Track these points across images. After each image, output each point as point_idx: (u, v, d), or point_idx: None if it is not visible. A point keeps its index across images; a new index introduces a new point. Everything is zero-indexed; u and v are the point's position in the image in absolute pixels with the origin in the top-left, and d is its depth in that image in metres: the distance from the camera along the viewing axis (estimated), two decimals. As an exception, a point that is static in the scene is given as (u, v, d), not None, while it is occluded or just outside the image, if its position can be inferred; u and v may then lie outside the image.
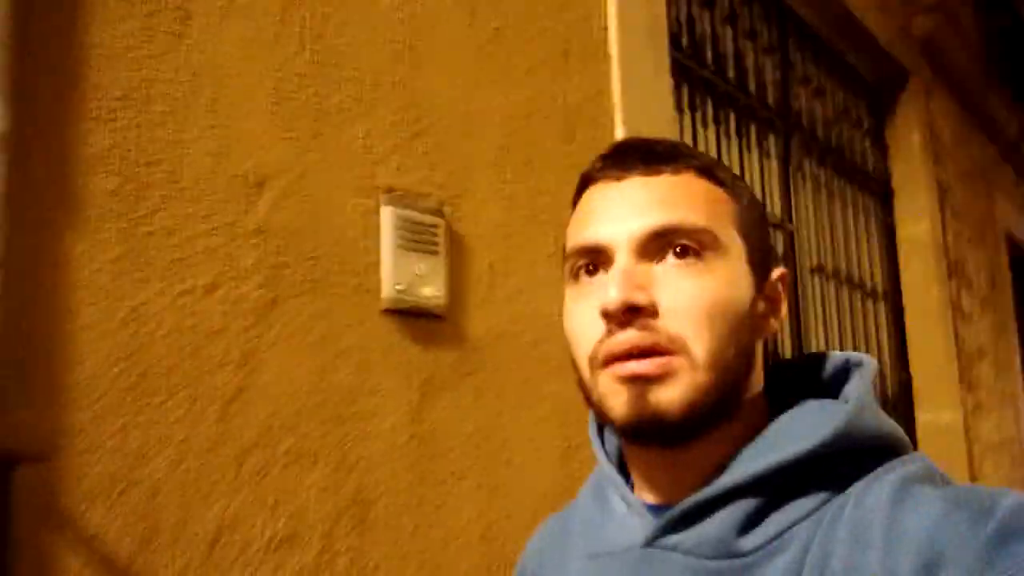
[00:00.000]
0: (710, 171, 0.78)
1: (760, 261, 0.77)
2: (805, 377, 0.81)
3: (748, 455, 0.72)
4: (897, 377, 3.85)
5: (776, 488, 0.70)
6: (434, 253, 1.46)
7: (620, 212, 0.74)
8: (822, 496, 0.69)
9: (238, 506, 1.15)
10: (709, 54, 2.64)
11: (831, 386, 0.79)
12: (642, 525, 0.75)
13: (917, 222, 4.01)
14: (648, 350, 0.69)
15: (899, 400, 3.82)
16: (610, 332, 0.71)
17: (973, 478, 4.07)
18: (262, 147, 1.24)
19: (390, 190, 1.41)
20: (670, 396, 0.69)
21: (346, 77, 1.38)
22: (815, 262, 3.24)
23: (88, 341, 1.03)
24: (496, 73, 1.65)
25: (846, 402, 0.75)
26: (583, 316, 0.74)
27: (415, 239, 1.43)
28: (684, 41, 2.48)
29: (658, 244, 0.72)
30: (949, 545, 0.61)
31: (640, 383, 0.69)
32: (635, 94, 2.00)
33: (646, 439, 0.73)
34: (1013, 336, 5.37)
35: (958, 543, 0.61)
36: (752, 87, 2.90)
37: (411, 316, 1.42)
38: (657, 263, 0.72)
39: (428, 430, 1.42)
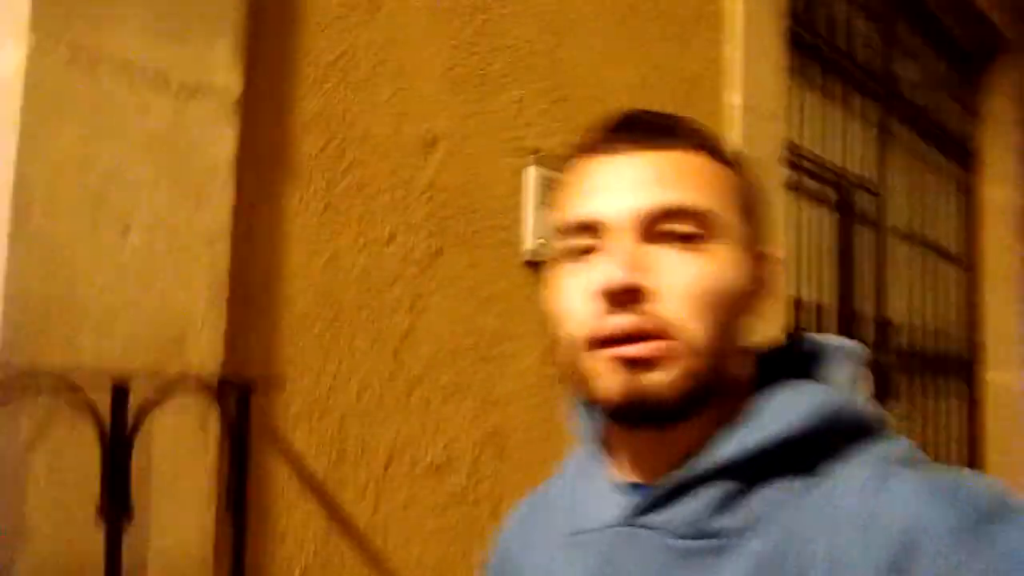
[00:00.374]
0: (714, 148, 0.76)
1: (758, 242, 0.76)
2: (792, 360, 0.79)
3: (727, 436, 0.71)
4: (967, 338, 3.92)
5: (754, 469, 0.70)
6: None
7: (621, 187, 0.71)
8: (801, 477, 0.69)
9: (407, 432, 1.31)
10: (821, 23, 2.69)
11: (817, 369, 0.78)
12: (623, 503, 0.75)
13: (1000, 187, 4.04)
14: (645, 334, 0.68)
15: (968, 359, 3.89)
16: (607, 312, 0.69)
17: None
18: (435, 110, 1.37)
19: (536, 151, 1.53)
20: (663, 379, 0.68)
21: (505, 45, 1.49)
22: (900, 225, 3.31)
23: (298, 283, 1.18)
24: (626, 45, 1.75)
25: (829, 383, 0.75)
26: (575, 293, 0.72)
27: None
28: (800, 7, 2.54)
29: (660, 224, 0.70)
30: (926, 532, 0.61)
31: (634, 366, 0.68)
32: (753, 67, 2.09)
33: (636, 421, 0.72)
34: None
35: (935, 530, 0.61)
36: (859, 55, 2.95)
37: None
38: (658, 244, 0.70)
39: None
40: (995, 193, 4.04)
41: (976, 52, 3.98)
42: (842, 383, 0.74)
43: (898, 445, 0.71)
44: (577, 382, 0.73)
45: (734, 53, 2.06)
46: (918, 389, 3.41)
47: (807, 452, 0.69)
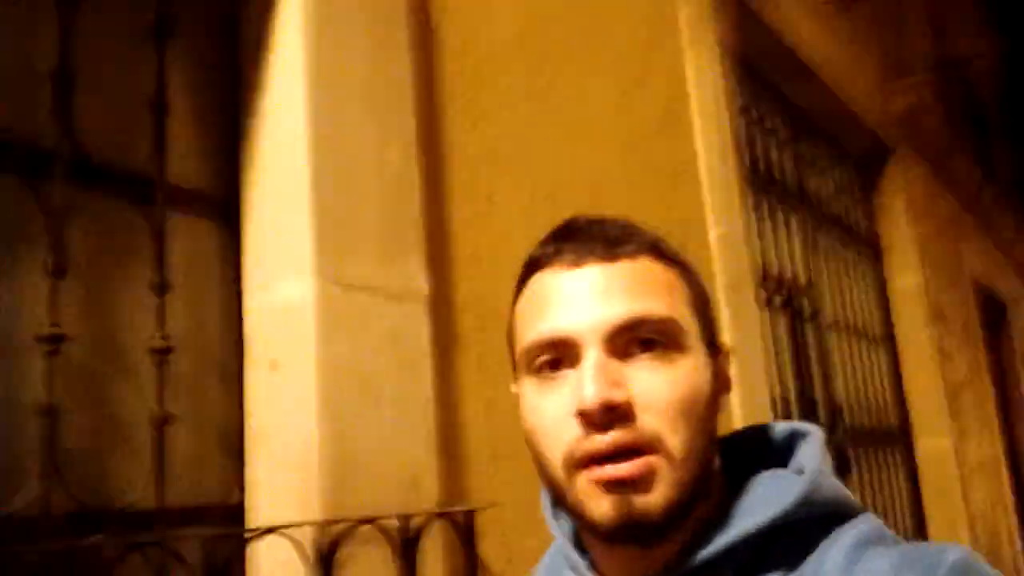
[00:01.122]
0: (661, 251, 0.77)
1: (712, 339, 0.77)
2: (755, 449, 0.80)
3: (712, 534, 0.71)
4: (898, 411, 4.44)
5: (741, 562, 0.70)
6: None
7: (583, 302, 0.71)
8: (784, 565, 0.70)
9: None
10: (758, 158, 3.23)
11: (780, 456, 0.78)
12: None
13: (905, 276, 4.65)
14: (628, 448, 0.68)
15: (901, 429, 4.40)
16: (588, 432, 0.68)
17: (964, 493, 4.67)
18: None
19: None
20: (653, 500, 0.68)
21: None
22: (831, 319, 3.82)
23: (474, 431, 1.55)
24: (625, 191, 2.20)
25: (800, 471, 0.75)
26: (551, 413, 0.71)
27: None
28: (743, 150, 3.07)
29: (625, 337, 0.70)
30: None
31: (623, 488, 0.68)
32: (722, 205, 2.57)
33: (626, 541, 0.71)
34: (985, 370, 6.03)
35: None
36: (783, 177, 3.50)
37: None
38: (627, 356, 0.70)
39: None
40: (903, 281, 4.64)
41: (869, 159, 4.63)
42: (814, 468, 0.73)
43: (868, 524, 0.71)
44: (565, 504, 0.72)
45: (707, 197, 2.53)
46: (864, 460, 3.87)
47: (789, 538, 0.70)
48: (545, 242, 0.77)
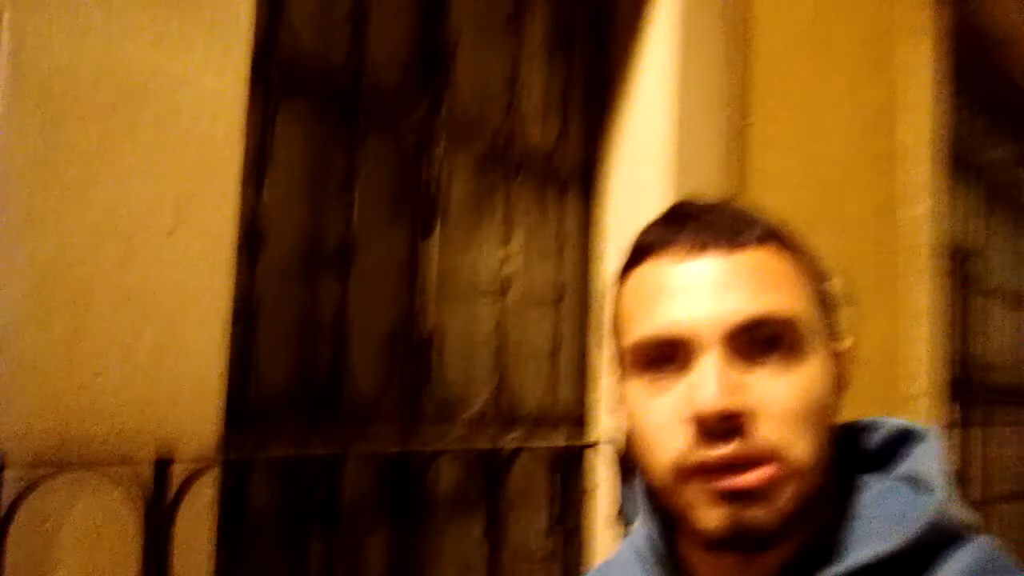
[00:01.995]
0: (784, 240, 0.70)
1: (834, 335, 0.71)
2: (858, 445, 0.74)
3: (826, 554, 0.66)
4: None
5: None
6: None
7: (701, 296, 0.65)
8: None
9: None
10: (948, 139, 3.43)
11: (883, 457, 0.73)
12: None
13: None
14: (748, 462, 0.63)
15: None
16: (702, 441, 0.64)
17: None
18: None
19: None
20: (770, 512, 0.63)
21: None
22: (993, 284, 4.04)
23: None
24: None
25: (910, 478, 0.70)
26: (661, 416, 0.66)
27: None
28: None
29: (746, 337, 0.65)
30: None
31: (738, 499, 0.63)
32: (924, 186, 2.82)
33: (734, 549, 0.66)
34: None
35: None
36: (968, 149, 3.69)
37: None
38: (747, 358, 0.65)
39: None
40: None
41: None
42: (946, 487, 0.67)
43: (984, 551, 0.65)
44: (671, 507, 0.68)
45: (911, 177, 2.79)
46: (998, 414, 4.12)
47: (901, 565, 0.64)
48: (657, 226, 0.71)
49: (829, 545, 0.66)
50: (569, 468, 1.63)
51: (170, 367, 1.00)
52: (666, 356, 0.66)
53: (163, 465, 0.95)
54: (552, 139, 1.76)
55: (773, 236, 0.69)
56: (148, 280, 0.99)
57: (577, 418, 1.76)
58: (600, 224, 1.82)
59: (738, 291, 0.65)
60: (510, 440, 1.56)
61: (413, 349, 1.46)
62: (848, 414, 0.74)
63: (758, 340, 0.65)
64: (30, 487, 0.86)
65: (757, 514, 0.63)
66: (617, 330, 0.72)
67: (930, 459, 0.70)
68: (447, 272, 1.55)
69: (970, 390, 3.73)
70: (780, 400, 0.64)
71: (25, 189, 0.90)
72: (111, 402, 0.95)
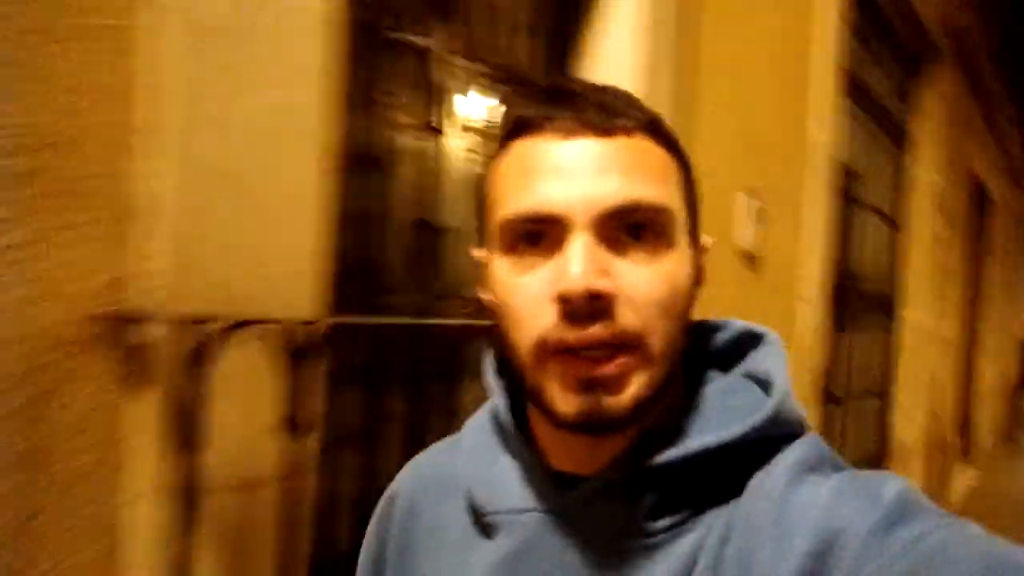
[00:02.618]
0: (660, 131, 0.70)
1: (696, 231, 0.71)
2: (703, 345, 0.76)
3: (671, 438, 0.67)
4: (893, 281, 5.20)
5: (695, 472, 0.66)
6: None
7: (575, 179, 0.64)
8: (732, 481, 0.66)
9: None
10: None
11: (728, 355, 0.75)
12: (548, 491, 0.71)
13: (925, 169, 5.31)
14: (606, 344, 0.63)
15: (889, 298, 5.18)
16: (567, 321, 0.63)
17: (930, 362, 5.54)
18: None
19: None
20: (624, 399, 0.63)
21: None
22: (867, 202, 4.49)
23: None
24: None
25: (750, 376, 0.72)
26: (527, 294, 0.65)
27: None
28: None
29: (615, 222, 0.64)
30: (838, 533, 0.59)
31: (596, 387, 0.63)
32: (820, 107, 3.18)
33: (586, 434, 0.67)
34: (969, 259, 6.83)
35: (847, 530, 0.59)
36: (858, 78, 4.08)
37: None
38: (615, 243, 0.64)
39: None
40: (923, 173, 5.30)
41: (919, 59, 5.17)
42: (784, 384, 0.69)
43: (812, 448, 0.67)
44: (526, 386, 0.68)
45: (814, 109, 3.14)
46: (861, 320, 4.64)
47: (744, 453, 0.66)
48: (535, 103, 0.69)
49: (673, 430, 0.68)
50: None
51: (290, 245, 1.23)
52: (535, 235, 0.66)
53: (290, 325, 1.19)
54: (536, 63, 2.00)
55: (650, 125, 0.69)
56: (272, 172, 1.20)
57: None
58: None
59: (613, 175, 0.65)
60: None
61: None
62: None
63: (627, 226, 0.65)
64: (196, 326, 1.09)
65: (611, 402, 0.63)
66: (489, 205, 0.70)
67: (771, 360, 0.72)
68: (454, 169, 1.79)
69: (845, 297, 4.20)
70: (644, 287, 0.64)
71: (185, 99, 1.10)
72: (255, 273, 1.18)
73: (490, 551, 0.72)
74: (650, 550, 0.66)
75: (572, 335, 0.63)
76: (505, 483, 0.74)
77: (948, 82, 5.53)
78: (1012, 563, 0.53)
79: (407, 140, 1.67)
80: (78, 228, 1.02)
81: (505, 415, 0.74)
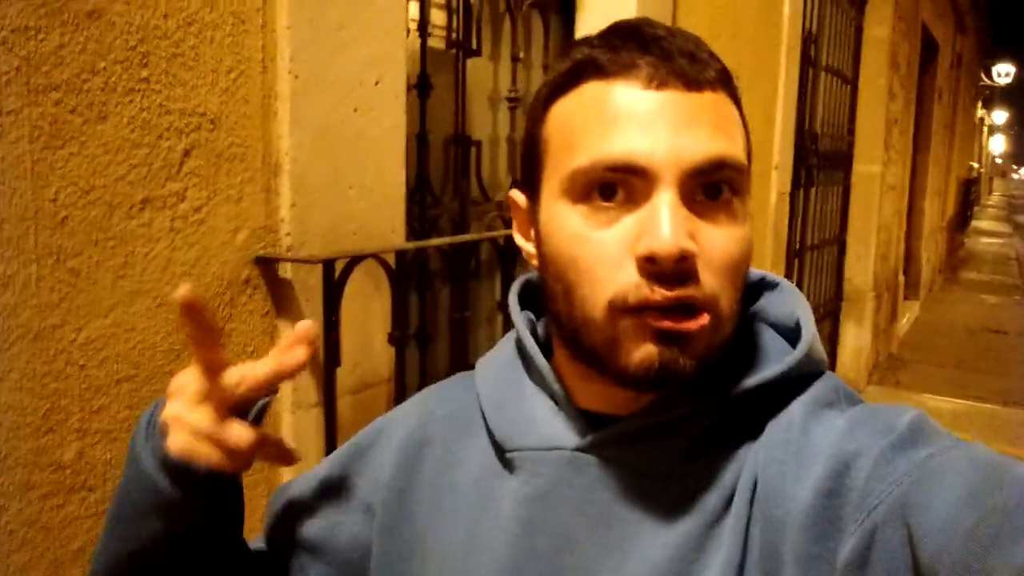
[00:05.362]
0: (731, 84, 0.67)
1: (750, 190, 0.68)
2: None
3: (709, 381, 0.66)
4: (846, 138, 5.49)
5: (728, 412, 0.67)
6: None
7: (663, 131, 0.61)
8: (759, 419, 0.66)
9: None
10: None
11: (776, 305, 0.74)
12: (578, 429, 0.70)
13: (879, 26, 5.52)
14: (693, 307, 0.61)
15: (848, 155, 5.48)
16: (652, 280, 0.61)
17: (879, 207, 5.90)
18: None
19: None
20: (695, 358, 0.62)
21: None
22: (825, 63, 4.70)
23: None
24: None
25: (764, 318, 0.74)
26: (603, 249, 0.62)
27: None
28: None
29: (700, 179, 0.62)
30: (854, 455, 0.60)
31: (674, 342, 0.61)
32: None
33: (648, 390, 0.65)
34: (912, 106, 7.11)
35: (861, 453, 0.60)
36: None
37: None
38: (691, 202, 0.62)
39: None
40: (876, 31, 5.51)
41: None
42: (812, 330, 0.69)
43: (832, 386, 0.68)
44: (585, 340, 0.65)
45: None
46: (821, 176, 4.94)
47: (771, 394, 0.67)
48: (610, 44, 0.65)
49: (711, 375, 0.66)
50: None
51: (383, 182, 1.45)
52: (612, 185, 0.63)
53: (386, 255, 1.43)
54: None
55: (727, 81, 0.66)
56: (369, 123, 1.41)
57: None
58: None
59: (702, 131, 0.62)
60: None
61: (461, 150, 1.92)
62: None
63: (707, 185, 0.63)
64: (327, 263, 1.32)
65: (684, 360, 0.62)
66: (552, 148, 0.67)
67: (795, 303, 0.72)
68: (480, 85, 1.98)
69: (805, 157, 4.47)
70: (722, 250, 0.63)
71: (302, 61, 1.29)
72: (356, 208, 1.40)
73: (516, 487, 0.71)
74: (683, 490, 0.66)
75: (656, 296, 0.61)
76: (532, 419, 0.72)
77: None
78: (1010, 475, 0.53)
79: (441, 57, 1.86)
80: (236, 187, 1.23)
81: (536, 353, 0.73)
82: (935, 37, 8.15)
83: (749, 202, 0.67)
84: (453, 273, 1.70)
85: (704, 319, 0.62)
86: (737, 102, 0.67)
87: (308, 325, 0.65)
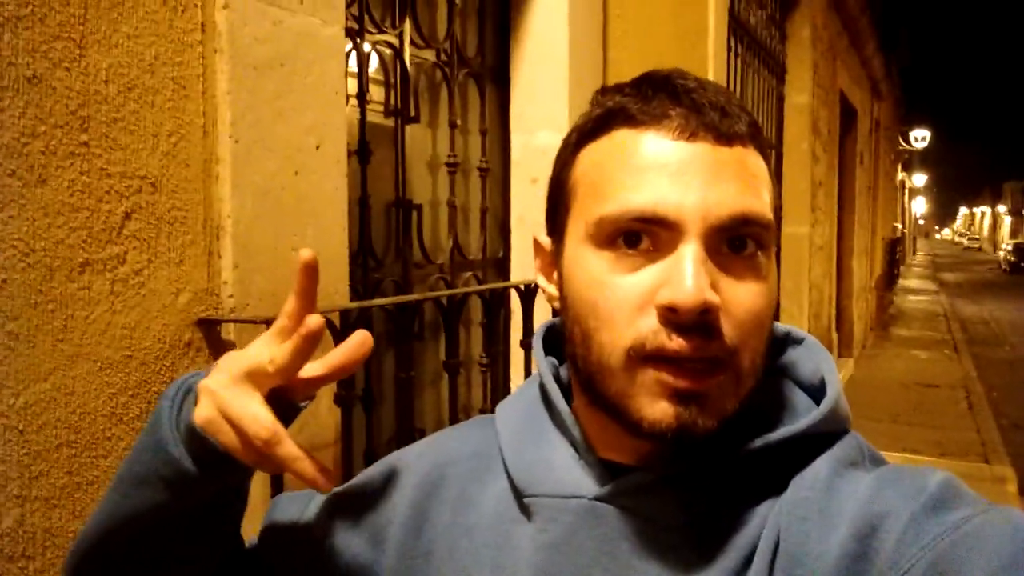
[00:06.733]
0: (760, 139, 0.68)
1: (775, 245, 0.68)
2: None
3: (731, 435, 0.65)
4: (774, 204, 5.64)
5: (750, 467, 0.66)
6: None
7: (692, 184, 0.61)
8: (781, 476, 0.65)
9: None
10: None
11: (798, 361, 0.74)
12: (597, 478, 0.69)
13: (799, 94, 5.74)
14: (707, 360, 0.61)
15: (775, 217, 5.63)
16: (671, 328, 0.61)
17: (809, 267, 6.06)
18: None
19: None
20: (714, 416, 0.62)
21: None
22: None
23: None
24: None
25: (800, 380, 0.72)
26: (625, 295, 0.62)
27: None
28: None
29: (725, 234, 0.62)
30: (882, 516, 0.58)
31: (691, 401, 0.61)
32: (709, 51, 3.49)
33: (667, 446, 0.65)
34: (835, 169, 7.37)
35: (891, 514, 0.58)
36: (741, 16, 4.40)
37: None
38: (716, 255, 0.62)
39: None
40: (797, 99, 5.73)
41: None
42: (837, 386, 0.69)
43: (856, 445, 0.67)
44: (599, 389, 0.65)
45: (710, 50, 3.45)
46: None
47: (789, 452, 0.66)
48: (642, 94, 0.66)
49: (728, 427, 0.65)
50: (498, 302, 2.17)
51: (325, 244, 1.46)
52: (638, 233, 0.63)
53: (328, 314, 1.43)
54: (476, 45, 2.24)
55: (756, 135, 0.67)
56: (310, 187, 1.42)
57: (500, 263, 2.32)
58: (513, 109, 2.33)
59: (727, 185, 0.62)
60: (464, 281, 2.11)
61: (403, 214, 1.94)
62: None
63: (732, 239, 0.63)
64: (270, 324, 1.31)
65: (704, 420, 0.61)
66: (580, 193, 0.67)
67: (819, 359, 0.73)
68: (419, 152, 2.02)
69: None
70: (743, 304, 0.62)
71: (243, 126, 1.30)
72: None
73: (534, 533, 0.70)
74: (703, 543, 0.64)
75: (674, 344, 0.60)
76: (552, 466, 0.71)
77: (819, 15, 5.95)
78: None
79: (380, 127, 1.89)
80: (177, 250, 1.22)
81: (558, 398, 0.73)
82: (853, 104, 8.50)
83: (774, 257, 0.68)
84: (398, 334, 1.71)
85: (721, 377, 0.62)
86: (766, 156, 0.68)
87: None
